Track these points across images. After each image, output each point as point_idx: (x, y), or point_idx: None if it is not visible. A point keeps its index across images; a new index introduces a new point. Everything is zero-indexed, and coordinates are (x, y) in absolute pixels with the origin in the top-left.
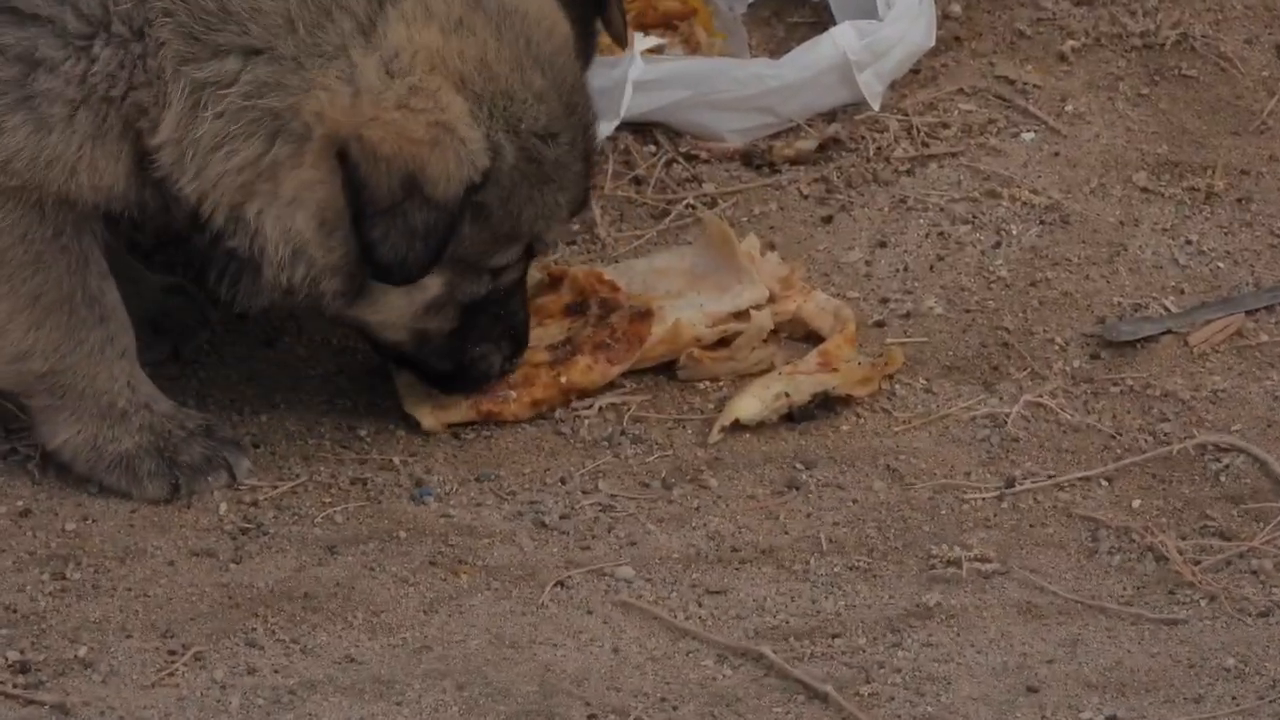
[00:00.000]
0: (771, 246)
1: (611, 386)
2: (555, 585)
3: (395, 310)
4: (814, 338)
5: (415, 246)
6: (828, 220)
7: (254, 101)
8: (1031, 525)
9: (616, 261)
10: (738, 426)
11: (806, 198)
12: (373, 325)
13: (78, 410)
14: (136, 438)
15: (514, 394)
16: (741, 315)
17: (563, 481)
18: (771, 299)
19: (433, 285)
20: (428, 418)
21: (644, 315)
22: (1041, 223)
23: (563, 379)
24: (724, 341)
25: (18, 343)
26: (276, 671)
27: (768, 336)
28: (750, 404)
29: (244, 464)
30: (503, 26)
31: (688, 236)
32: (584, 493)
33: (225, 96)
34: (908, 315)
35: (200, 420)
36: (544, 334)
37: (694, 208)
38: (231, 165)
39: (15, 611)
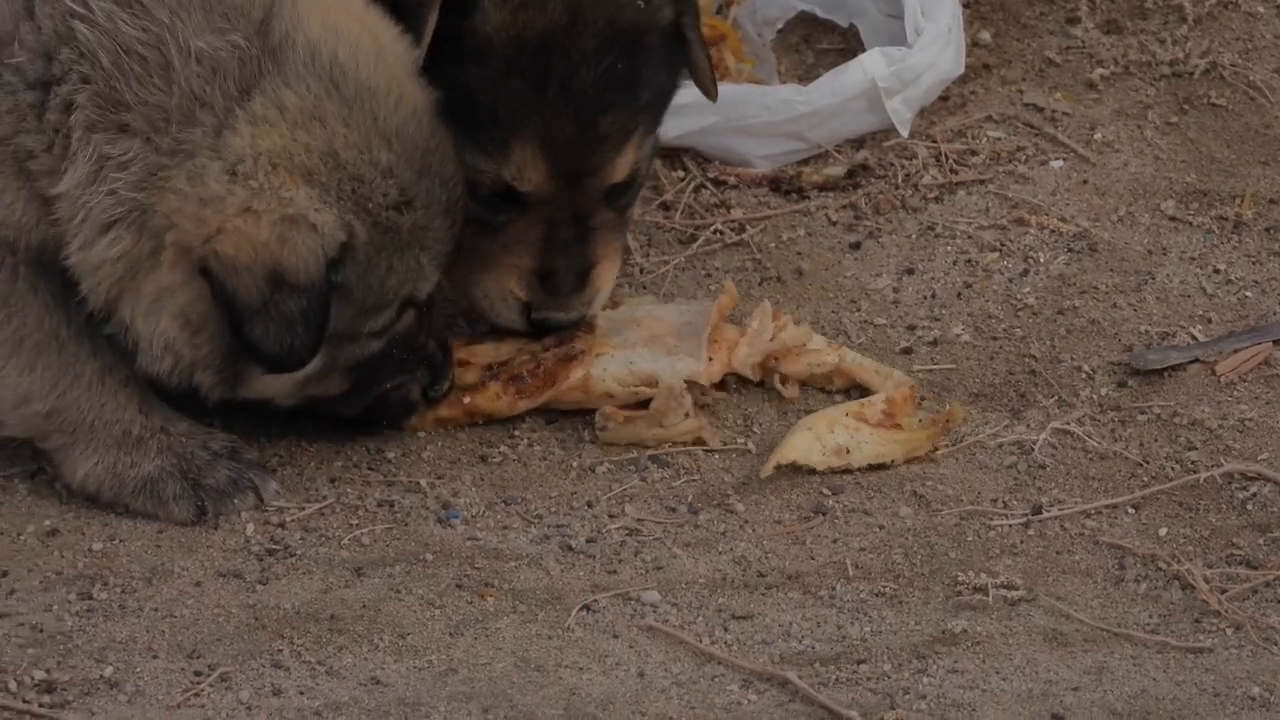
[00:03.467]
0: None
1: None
2: (581, 609)
3: (277, 388)
4: (859, 389)
5: (297, 333)
6: (856, 247)
7: (134, 194)
8: (1058, 553)
9: (645, 289)
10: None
11: (834, 224)
12: (262, 400)
13: (92, 442)
14: (157, 461)
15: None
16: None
17: (589, 505)
18: (730, 374)
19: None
20: None
21: (569, 359)
22: (1069, 250)
23: (467, 400)
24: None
25: (15, 388)
26: (302, 693)
27: (693, 409)
28: (811, 449)
29: (271, 486)
30: (354, 109)
31: (715, 263)
32: (610, 517)
33: (119, 178)
34: (935, 342)
35: (225, 442)
36: (494, 351)
37: (722, 233)
38: (112, 254)
39: (42, 631)
